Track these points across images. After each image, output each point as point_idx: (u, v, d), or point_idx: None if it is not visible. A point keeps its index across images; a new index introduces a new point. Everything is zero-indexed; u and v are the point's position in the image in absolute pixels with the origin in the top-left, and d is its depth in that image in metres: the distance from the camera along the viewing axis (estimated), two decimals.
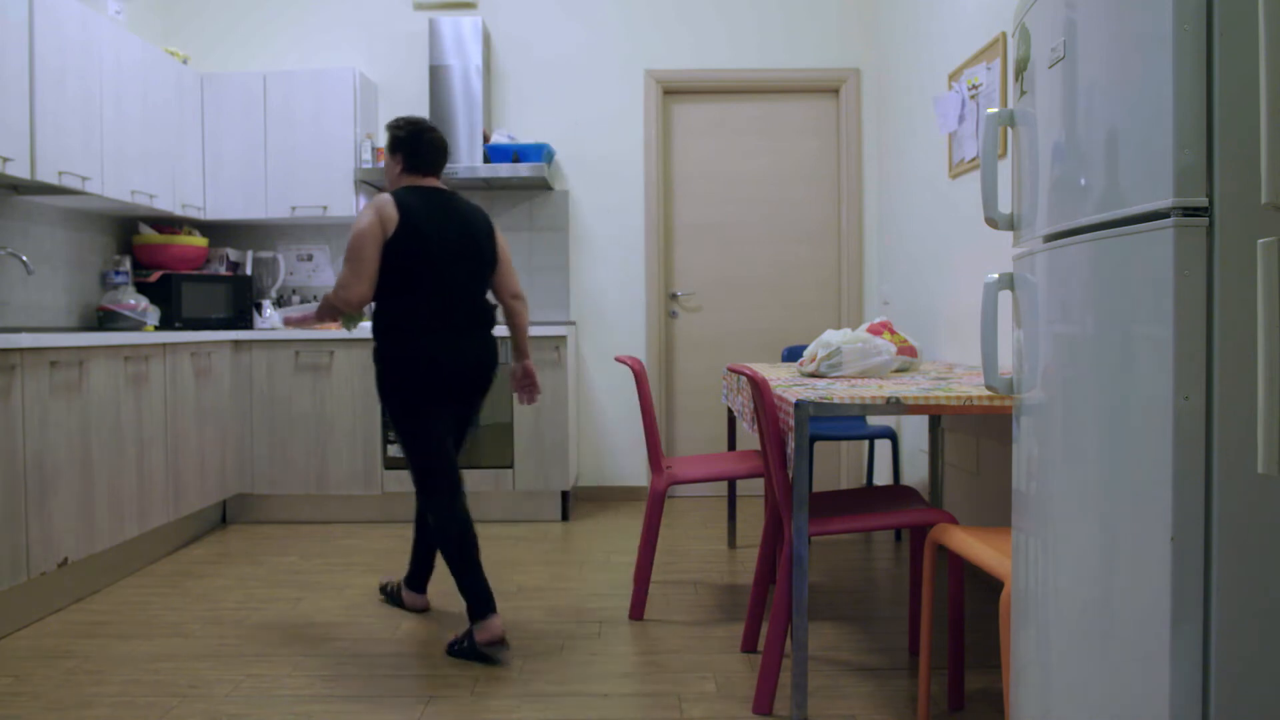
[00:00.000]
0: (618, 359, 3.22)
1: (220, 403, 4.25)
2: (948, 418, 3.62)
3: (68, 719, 2.30)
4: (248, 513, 4.53)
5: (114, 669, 2.63)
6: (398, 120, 2.89)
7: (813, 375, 2.80)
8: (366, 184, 4.78)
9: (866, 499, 2.56)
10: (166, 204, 4.35)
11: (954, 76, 3.70)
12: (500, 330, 4.42)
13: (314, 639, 2.86)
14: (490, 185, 4.84)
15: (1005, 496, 3.21)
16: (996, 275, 1.68)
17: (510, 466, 4.46)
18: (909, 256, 4.42)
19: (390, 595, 3.22)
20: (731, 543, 4.02)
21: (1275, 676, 1.13)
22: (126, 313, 4.26)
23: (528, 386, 3.11)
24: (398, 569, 3.64)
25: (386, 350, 2.78)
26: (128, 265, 4.47)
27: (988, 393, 2.16)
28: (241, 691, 2.46)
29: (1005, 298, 3.06)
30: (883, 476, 4.77)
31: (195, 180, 4.63)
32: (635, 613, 3.04)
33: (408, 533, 4.29)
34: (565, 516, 4.55)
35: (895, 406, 2.15)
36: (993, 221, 1.70)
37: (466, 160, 4.69)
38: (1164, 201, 1.17)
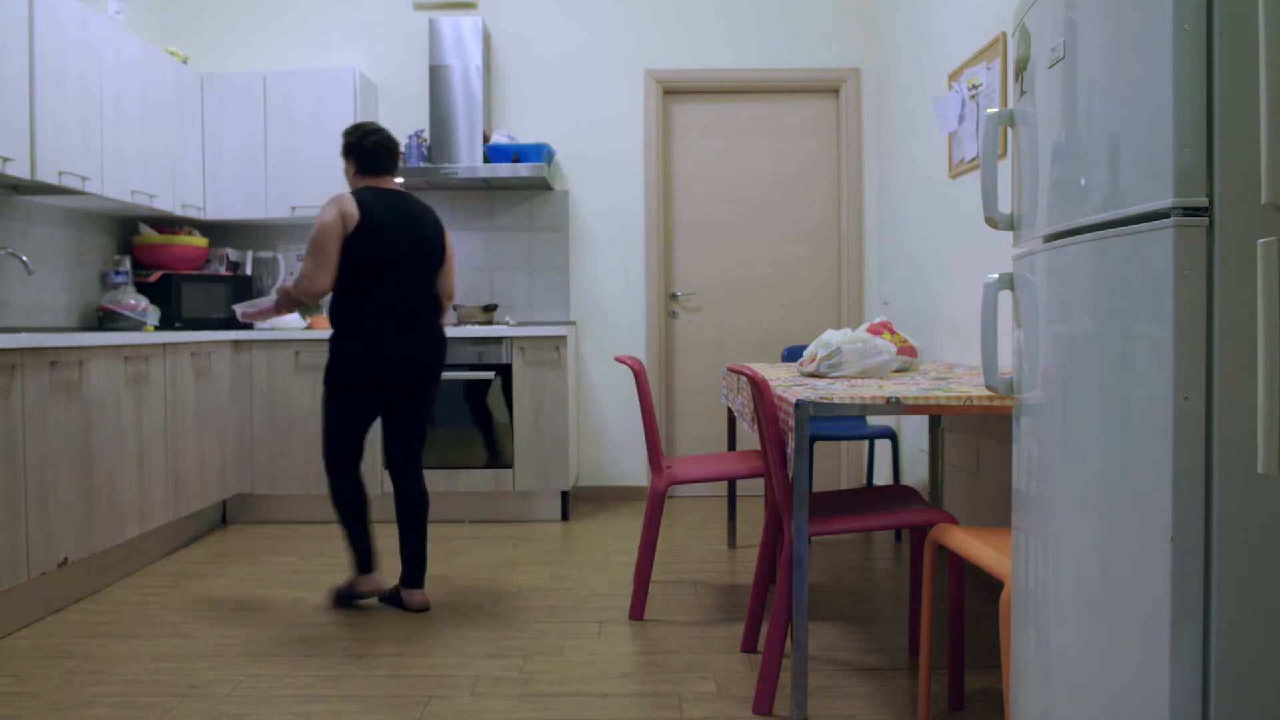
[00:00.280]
0: (618, 359, 3.22)
1: (220, 403, 4.25)
2: (948, 418, 3.62)
3: (68, 719, 2.30)
4: (248, 513, 4.53)
5: (114, 669, 2.63)
6: (348, 127, 3.15)
7: (813, 375, 2.80)
8: None
9: (866, 499, 2.56)
10: (166, 204, 4.35)
11: (954, 76, 3.70)
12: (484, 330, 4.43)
13: (314, 639, 2.86)
14: (490, 185, 4.84)
15: (1005, 496, 3.21)
16: (996, 275, 1.68)
17: (510, 466, 4.46)
18: (909, 256, 4.42)
19: (344, 598, 3.17)
20: (731, 543, 4.02)
21: (1275, 676, 1.13)
22: (126, 313, 4.26)
23: None
24: (399, 568, 3.64)
25: (341, 340, 3.04)
26: (128, 265, 4.47)
27: (988, 393, 2.16)
28: (241, 691, 2.46)
29: (1005, 298, 3.06)
30: (883, 476, 4.77)
31: (195, 180, 4.63)
32: (635, 613, 3.04)
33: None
34: (565, 516, 4.55)
35: (895, 406, 2.15)
36: (993, 221, 1.70)
37: (466, 160, 4.69)
38: (1164, 201, 1.17)
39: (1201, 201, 1.14)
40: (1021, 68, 1.65)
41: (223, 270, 4.83)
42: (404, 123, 5.03)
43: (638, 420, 5.05)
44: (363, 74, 4.78)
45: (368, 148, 3.10)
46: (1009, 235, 3.21)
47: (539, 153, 4.65)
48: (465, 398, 4.46)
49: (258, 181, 4.69)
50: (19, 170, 3.34)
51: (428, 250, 3.12)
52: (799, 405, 2.11)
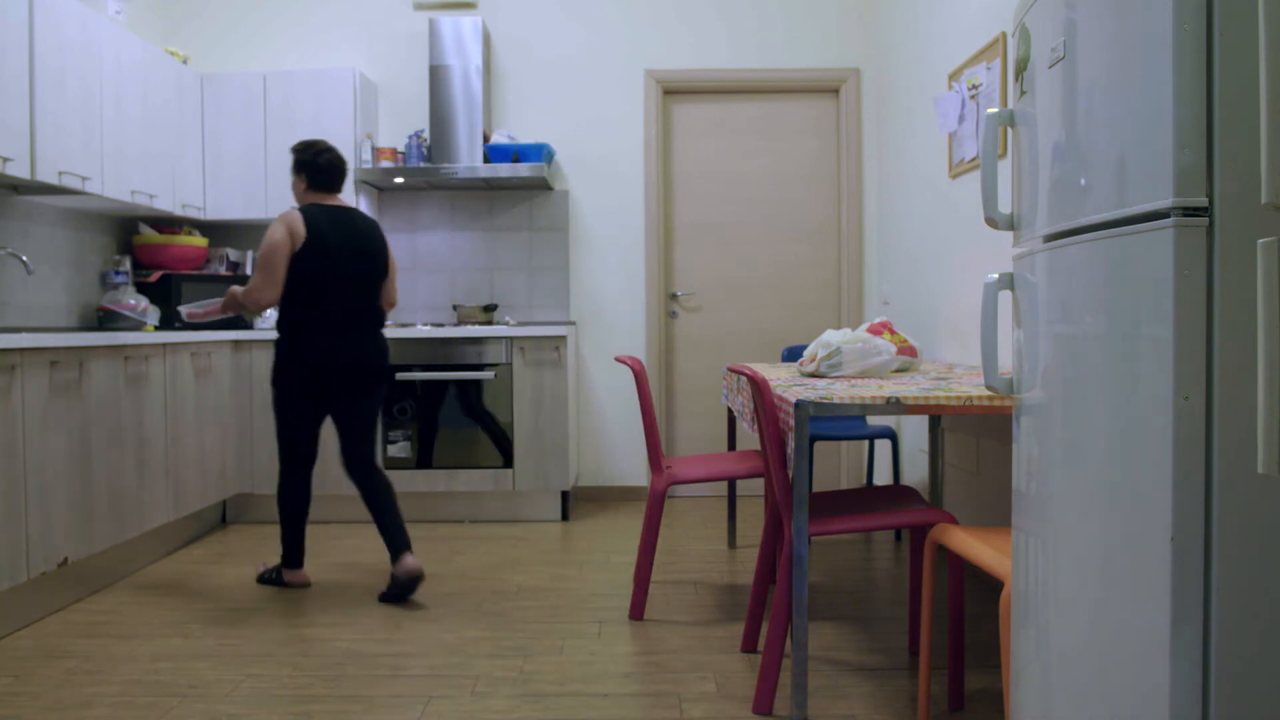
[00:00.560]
0: (618, 359, 3.23)
1: (220, 403, 4.25)
2: (948, 418, 3.62)
3: (68, 719, 2.30)
4: (248, 513, 4.53)
5: (114, 669, 2.63)
6: (299, 144, 3.34)
7: (813, 375, 2.80)
8: (366, 184, 4.78)
9: (866, 499, 2.56)
10: (166, 204, 4.35)
11: (954, 76, 3.70)
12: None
13: (314, 639, 2.86)
14: (490, 185, 4.84)
15: (1005, 496, 3.21)
16: (996, 275, 1.68)
17: (510, 466, 4.46)
18: (909, 256, 4.42)
19: (269, 578, 3.45)
20: (731, 543, 4.02)
21: (1275, 676, 1.13)
22: (126, 313, 4.26)
23: None
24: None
25: (286, 346, 3.25)
26: (128, 265, 4.47)
27: (988, 393, 2.16)
28: (241, 691, 2.46)
29: (1005, 298, 3.06)
30: (883, 476, 4.77)
31: (195, 180, 4.63)
32: (635, 613, 3.04)
33: (409, 532, 4.28)
34: (565, 516, 4.55)
35: (895, 406, 2.15)
36: (993, 221, 1.70)
37: (466, 160, 4.70)
38: (1164, 201, 1.17)
39: (1201, 201, 1.14)
40: (1021, 68, 1.65)
41: (223, 270, 4.83)
42: (404, 123, 5.03)
43: (638, 420, 5.05)
44: (363, 74, 4.78)
45: (321, 165, 3.30)
46: (1009, 235, 3.21)
47: (539, 153, 4.65)
48: (465, 398, 4.46)
49: (258, 181, 4.68)
50: (19, 170, 3.34)
51: (371, 264, 3.33)
52: (799, 405, 2.11)
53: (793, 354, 4.35)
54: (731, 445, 3.93)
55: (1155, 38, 1.18)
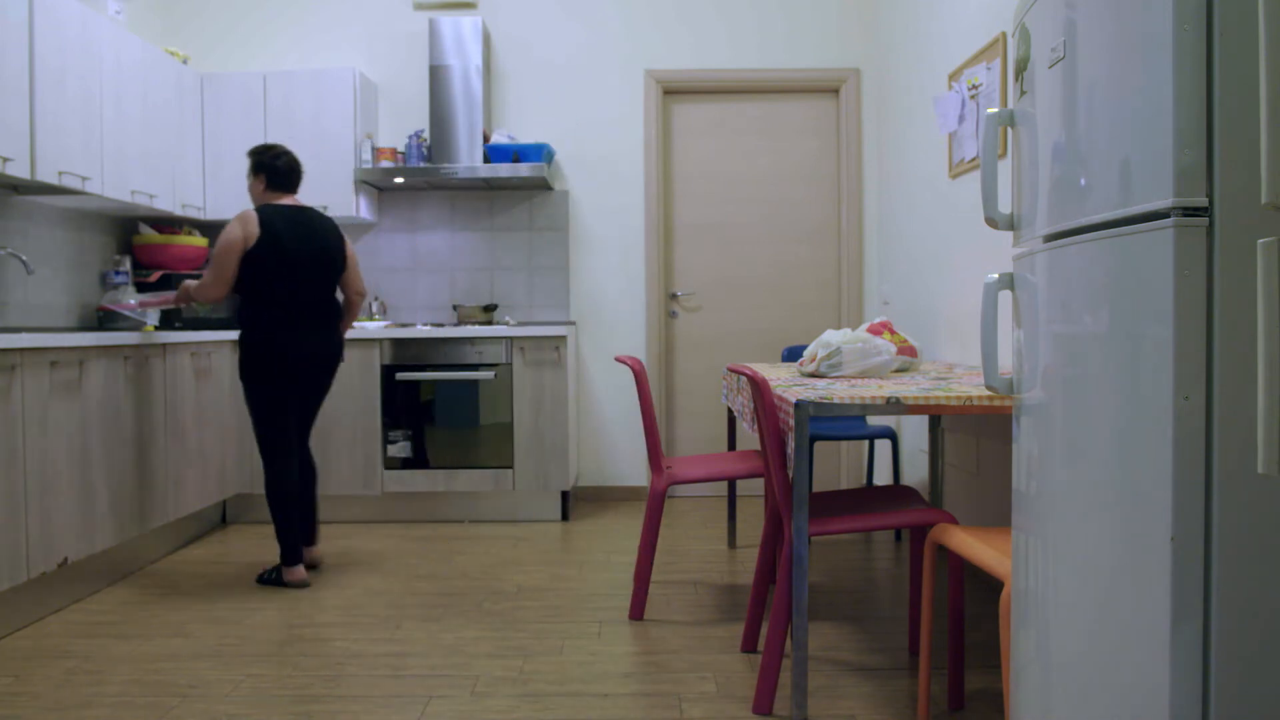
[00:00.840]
0: (618, 359, 3.23)
1: (220, 403, 4.25)
2: (948, 418, 3.62)
3: (68, 719, 2.30)
4: (248, 513, 4.53)
5: (114, 669, 2.63)
6: (258, 147, 3.48)
7: (813, 375, 2.80)
8: (366, 184, 4.78)
9: (866, 499, 2.56)
10: (166, 204, 4.35)
11: (954, 76, 3.70)
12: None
13: (314, 639, 2.86)
14: (490, 185, 4.84)
15: (1005, 496, 3.21)
16: (996, 275, 1.68)
17: (510, 466, 4.46)
18: (909, 256, 4.42)
19: (269, 579, 3.50)
20: (731, 543, 4.02)
21: (1275, 676, 1.13)
22: (126, 313, 4.26)
23: None
24: (398, 568, 3.64)
25: (247, 340, 3.38)
26: (128, 265, 4.47)
27: (988, 393, 2.16)
28: (241, 691, 2.46)
29: (1005, 298, 3.06)
30: (883, 476, 4.78)
31: (195, 180, 4.63)
32: (635, 613, 3.04)
33: (408, 532, 4.29)
34: (565, 516, 4.55)
35: (895, 406, 2.15)
36: (993, 221, 1.70)
37: (466, 160, 4.70)
38: (1164, 201, 1.17)
39: (1201, 201, 1.14)
40: (1021, 68, 1.65)
41: None
42: (404, 123, 5.03)
43: (638, 420, 5.05)
44: (363, 74, 4.78)
45: (280, 167, 3.45)
46: (1009, 235, 3.21)
47: (539, 153, 4.65)
48: (465, 398, 4.46)
49: None
50: (19, 170, 3.34)
51: (327, 260, 3.48)
52: (799, 405, 2.11)
53: (793, 354, 4.35)
54: (731, 445, 3.93)
55: (1155, 38, 1.18)
